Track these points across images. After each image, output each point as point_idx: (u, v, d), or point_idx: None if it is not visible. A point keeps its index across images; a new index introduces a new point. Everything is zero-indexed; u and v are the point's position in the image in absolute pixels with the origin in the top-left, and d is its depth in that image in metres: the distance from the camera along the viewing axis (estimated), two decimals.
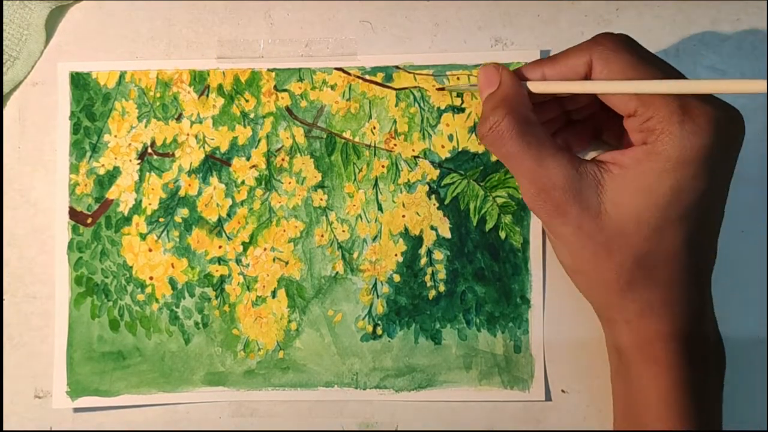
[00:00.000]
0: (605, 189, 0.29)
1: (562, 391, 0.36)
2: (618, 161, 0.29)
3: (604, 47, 0.30)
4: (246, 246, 0.37)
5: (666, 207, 0.29)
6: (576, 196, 0.29)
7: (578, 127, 0.35)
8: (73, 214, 0.37)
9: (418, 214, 0.37)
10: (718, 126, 0.28)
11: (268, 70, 0.38)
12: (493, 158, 0.37)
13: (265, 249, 0.37)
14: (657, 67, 0.29)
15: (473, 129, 0.37)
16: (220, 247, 0.37)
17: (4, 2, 0.37)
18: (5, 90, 0.38)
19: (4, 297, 0.38)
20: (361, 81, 0.37)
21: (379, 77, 0.37)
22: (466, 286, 0.37)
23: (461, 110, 0.37)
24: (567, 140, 0.35)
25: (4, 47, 0.37)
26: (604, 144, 0.36)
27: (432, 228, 0.37)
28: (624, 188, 0.29)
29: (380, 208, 0.37)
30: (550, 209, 0.30)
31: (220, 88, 0.38)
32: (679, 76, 0.30)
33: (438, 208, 0.37)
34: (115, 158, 0.37)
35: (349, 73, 0.37)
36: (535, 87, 0.31)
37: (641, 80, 0.28)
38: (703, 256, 0.31)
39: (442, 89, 0.37)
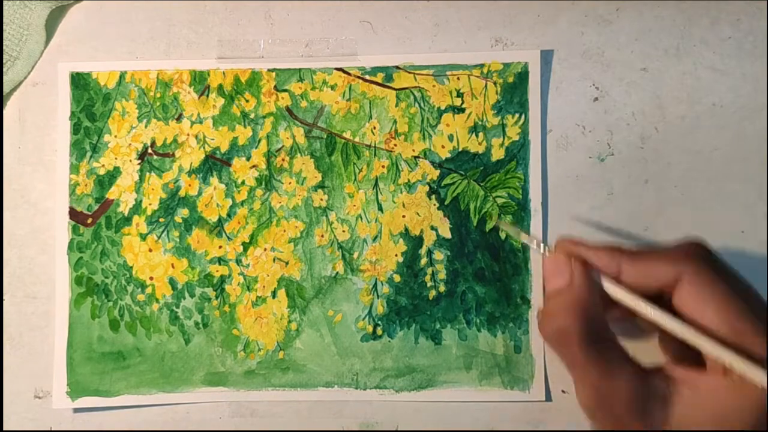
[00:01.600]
0: (673, 407, 0.28)
1: (562, 391, 0.36)
2: (691, 382, 0.28)
3: (697, 266, 0.28)
4: (246, 246, 0.37)
5: None
6: (640, 413, 0.28)
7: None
8: (74, 214, 0.37)
9: (418, 214, 0.37)
10: None
11: (269, 70, 0.38)
12: (493, 158, 0.37)
13: (265, 249, 0.37)
14: (748, 296, 0.28)
15: (473, 129, 0.37)
16: (220, 247, 0.37)
17: (5, 2, 0.37)
18: (5, 90, 0.38)
19: (4, 297, 0.38)
20: (361, 81, 0.37)
21: (380, 77, 0.37)
22: (466, 286, 0.37)
23: (461, 110, 0.37)
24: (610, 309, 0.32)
25: (4, 47, 0.37)
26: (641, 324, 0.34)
27: (432, 228, 0.37)
28: (694, 411, 0.27)
29: (380, 209, 0.37)
30: (610, 422, 0.28)
31: (220, 88, 0.38)
32: (761, 302, 0.28)
33: (438, 209, 0.37)
34: (116, 158, 0.37)
35: (349, 74, 0.37)
36: (612, 291, 0.29)
37: (725, 348, 0.27)
38: None
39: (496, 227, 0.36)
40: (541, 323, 0.30)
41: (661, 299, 0.30)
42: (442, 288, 0.37)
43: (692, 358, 0.30)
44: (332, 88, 0.37)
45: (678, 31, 0.37)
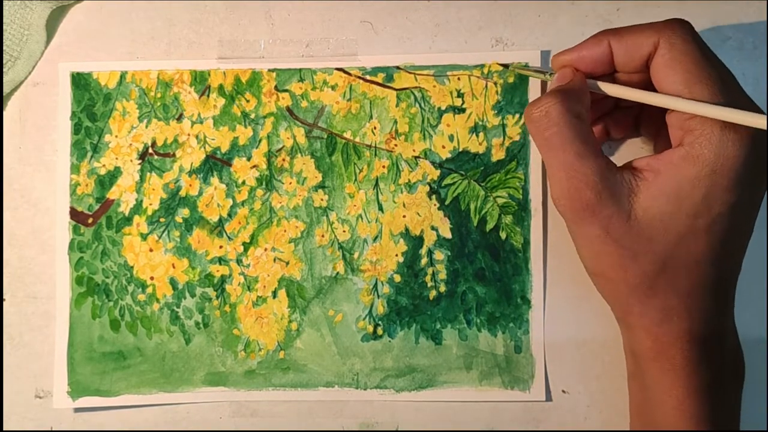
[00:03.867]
0: (637, 194, 0.29)
1: (563, 391, 0.36)
2: (652, 167, 0.29)
3: (673, 31, 0.29)
4: (247, 246, 0.37)
5: (695, 215, 0.28)
6: (608, 198, 0.29)
7: (619, 115, 0.35)
8: (74, 214, 0.37)
9: (418, 214, 0.37)
10: (757, 139, 0.28)
11: (269, 70, 0.38)
12: (494, 159, 0.37)
13: (265, 249, 0.37)
14: (715, 67, 0.29)
15: (474, 129, 0.37)
16: (220, 247, 0.37)
17: (5, 2, 0.37)
18: (6, 90, 0.38)
19: (4, 297, 0.38)
20: (361, 81, 0.37)
21: (380, 77, 0.37)
22: (466, 286, 0.37)
23: (462, 110, 0.37)
24: (607, 126, 0.35)
25: (5, 47, 0.37)
26: (641, 136, 0.37)
27: (432, 228, 0.37)
28: (656, 193, 0.29)
29: (381, 209, 0.37)
30: (580, 207, 0.30)
31: (220, 88, 0.38)
32: (734, 81, 0.30)
33: (438, 209, 0.37)
34: (116, 158, 0.37)
35: (349, 74, 0.37)
36: (606, 88, 0.32)
37: (693, 101, 0.28)
38: (726, 267, 0.30)
39: (506, 66, 0.37)
40: (526, 110, 0.31)
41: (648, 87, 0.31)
42: (442, 288, 0.37)
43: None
44: (333, 88, 0.37)
45: None
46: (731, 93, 0.29)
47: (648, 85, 0.31)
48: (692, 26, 0.30)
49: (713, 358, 0.30)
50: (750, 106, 0.29)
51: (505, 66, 0.37)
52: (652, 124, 0.35)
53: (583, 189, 0.29)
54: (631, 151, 0.37)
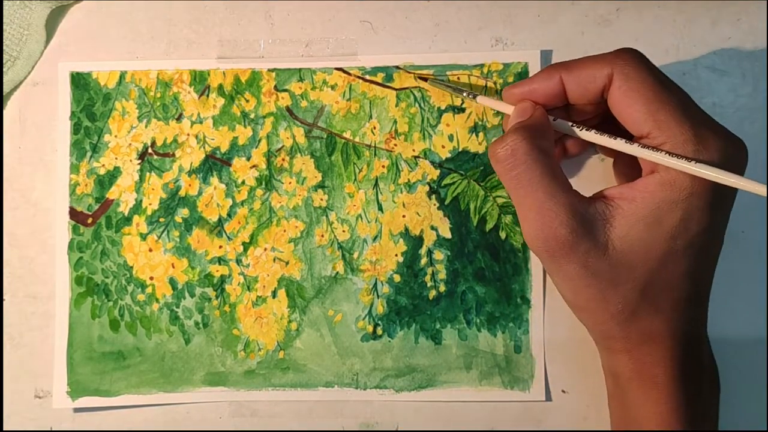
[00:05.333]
0: (612, 224, 0.29)
1: (563, 391, 0.36)
2: (626, 195, 0.29)
3: (626, 62, 0.29)
4: (246, 246, 0.37)
5: (674, 238, 0.28)
6: (583, 234, 0.29)
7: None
8: (74, 214, 0.37)
9: (418, 214, 0.37)
10: (729, 158, 0.28)
11: (269, 70, 0.38)
12: None
13: (265, 249, 0.37)
14: (673, 93, 0.29)
15: (474, 129, 0.37)
16: (220, 247, 0.37)
17: (5, 2, 0.37)
18: (6, 90, 0.38)
19: (4, 297, 0.38)
20: (361, 81, 0.37)
21: (380, 77, 0.37)
22: (466, 286, 0.37)
23: (461, 110, 0.37)
24: (563, 144, 0.35)
25: (4, 47, 0.37)
26: (597, 153, 0.36)
27: (432, 228, 0.37)
28: (632, 220, 0.29)
29: (380, 208, 0.37)
30: (555, 246, 0.29)
31: (220, 88, 0.38)
32: (693, 104, 0.30)
33: (438, 208, 0.37)
34: (116, 158, 0.37)
35: (349, 73, 0.37)
36: (560, 127, 0.31)
37: (664, 154, 0.28)
38: (702, 281, 0.31)
39: (424, 80, 0.37)
40: (491, 148, 0.30)
41: (606, 123, 0.32)
42: (442, 288, 0.37)
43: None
44: (332, 88, 0.37)
45: (678, 31, 0.37)
46: (694, 115, 0.29)
47: (604, 113, 0.31)
48: (643, 54, 0.30)
49: (694, 372, 0.30)
50: (713, 124, 0.29)
51: (423, 79, 0.37)
52: (612, 150, 0.34)
53: (556, 228, 0.29)
54: (592, 166, 0.37)
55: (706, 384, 0.31)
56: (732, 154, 0.29)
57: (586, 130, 0.31)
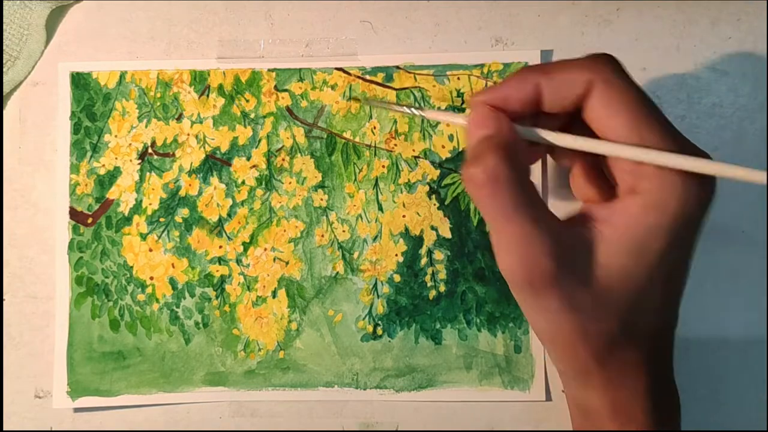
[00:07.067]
0: (594, 253, 0.26)
1: (563, 391, 0.36)
2: (606, 219, 0.27)
3: (606, 68, 0.27)
4: (246, 246, 0.37)
5: (656, 266, 0.26)
6: (568, 265, 0.26)
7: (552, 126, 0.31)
8: (74, 214, 0.37)
9: (418, 214, 0.37)
10: (714, 179, 0.26)
11: (269, 70, 0.38)
12: None
13: (265, 249, 0.37)
14: (653, 106, 0.27)
15: None
16: (220, 247, 0.37)
17: (5, 2, 0.37)
18: (6, 90, 0.38)
19: (4, 297, 0.38)
20: (361, 81, 0.37)
21: (380, 77, 0.37)
22: (466, 286, 0.37)
23: (461, 110, 0.37)
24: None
25: (4, 47, 0.37)
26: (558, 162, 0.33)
27: (432, 228, 0.37)
28: (614, 250, 0.26)
29: (380, 208, 0.37)
30: (537, 278, 0.26)
31: (220, 88, 0.38)
32: (668, 120, 0.27)
33: (438, 208, 0.37)
34: (116, 158, 0.37)
35: (349, 74, 0.37)
36: (529, 134, 0.28)
37: (660, 151, 0.26)
38: (674, 312, 0.29)
39: (357, 100, 0.37)
40: (465, 171, 0.26)
41: (579, 128, 0.28)
42: (442, 288, 0.37)
43: (606, 193, 0.29)
44: (332, 87, 0.37)
45: (678, 31, 0.37)
46: (675, 134, 0.27)
47: (575, 123, 0.28)
48: (620, 61, 0.27)
49: (668, 402, 0.29)
50: (695, 147, 0.27)
51: (357, 100, 0.37)
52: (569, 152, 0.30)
53: (539, 258, 0.26)
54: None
55: (675, 411, 0.30)
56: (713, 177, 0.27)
57: (562, 134, 0.28)
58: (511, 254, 0.26)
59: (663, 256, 0.26)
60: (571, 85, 0.27)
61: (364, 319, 0.37)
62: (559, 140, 0.28)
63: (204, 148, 0.37)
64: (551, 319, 0.27)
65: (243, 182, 0.37)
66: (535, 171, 0.37)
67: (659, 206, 0.26)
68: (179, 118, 0.38)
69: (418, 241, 0.37)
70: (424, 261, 0.37)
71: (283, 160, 0.37)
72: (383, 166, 0.37)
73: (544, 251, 0.26)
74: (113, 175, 0.37)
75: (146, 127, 0.38)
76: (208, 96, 0.38)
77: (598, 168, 0.30)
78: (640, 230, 0.26)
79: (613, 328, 0.27)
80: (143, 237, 0.37)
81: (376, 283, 0.37)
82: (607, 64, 0.27)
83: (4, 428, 0.37)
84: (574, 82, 0.27)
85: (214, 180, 0.37)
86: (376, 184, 0.37)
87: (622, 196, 0.27)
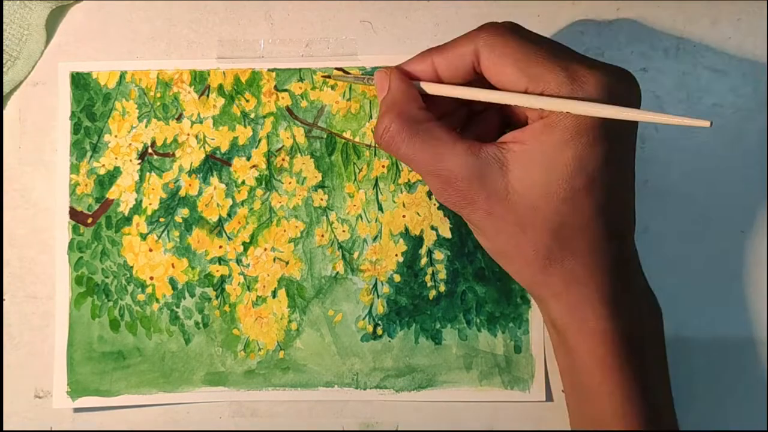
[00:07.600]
0: (509, 169, 0.29)
1: (563, 391, 0.36)
2: (518, 139, 0.30)
3: (488, 34, 0.30)
4: (246, 246, 0.37)
5: (571, 177, 0.29)
6: (480, 183, 0.29)
7: (484, 117, 0.35)
8: (74, 214, 0.37)
9: (418, 214, 0.37)
10: (609, 90, 0.28)
11: (269, 70, 0.38)
12: None
13: (265, 249, 0.37)
14: (542, 45, 0.29)
15: None
16: (220, 247, 0.37)
17: (5, 2, 0.37)
18: (5, 90, 0.38)
19: (4, 297, 0.38)
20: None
21: None
22: (466, 286, 0.37)
23: None
24: (476, 133, 0.34)
25: (4, 47, 0.37)
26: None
27: (432, 228, 0.37)
28: (528, 165, 0.29)
29: (380, 208, 0.37)
30: (457, 200, 0.30)
31: (220, 88, 0.38)
32: (566, 50, 0.30)
33: (438, 208, 0.37)
34: (116, 158, 0.37)
35: (349, 73, 0.37)
36: (428, 88, 0.32)
37: (540, 96, 0.29)
38: (618, 219, 0.31)
39: (328, 77, 0.37)
40: (375, 132, 0.32)
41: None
42: (442, 288, 0.37)
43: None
44: (332, 87, 0.37)
45: (678, 31, 0.37)
46: (565, 58, 0.29)
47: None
48: (508, 22, 0.31)
49: (626, 308, 0.31)
50: (589, 62, 0.29)
51: (327, 76, 0.37)
52: (517, 119, 0.33)
53: (452, 182, 0.30)
54: None
55: (644, 316, 0.32)
56: (615, 87, 0.29)
57: (459, 87, 0.31)
58: (430, 186, 0.31)
59: (576, 168, 0.29)
60: (460, 57, 0.31)
61: (364, 319, 0.37)
62: (456, 92, 0.32)
63: (204, 148, 0.37)
64: (484, 234, 0.31)
65: (243, 182, 0.37)
66: None
67: (557, 124, 0.29)
68: (179, 118, 0.38)
69: (418, 241, 0.37)
70: (424, 261, 0.37)
71: (283, 160, 0.37)
72: (383, 166, 0.37)
73: (454, 176, 0.30)
74: (113, 175, 0.37)
75: (146, 127, 0.38)
76: (208, 96, 0.38)
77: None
78: (547, 145, 0.29)
79: (544, 239, 0.30)
80: (143, 237, 0.37)
81: (376, 283, 0.37)
82: (489, 30, 0.30)
83: (4, 428, 0.37)
84: (463, 54, 0.31)
85: (214, 180, 0.37)
86: (376, 184, 0.37)
87: (530, 122, 0.30)
